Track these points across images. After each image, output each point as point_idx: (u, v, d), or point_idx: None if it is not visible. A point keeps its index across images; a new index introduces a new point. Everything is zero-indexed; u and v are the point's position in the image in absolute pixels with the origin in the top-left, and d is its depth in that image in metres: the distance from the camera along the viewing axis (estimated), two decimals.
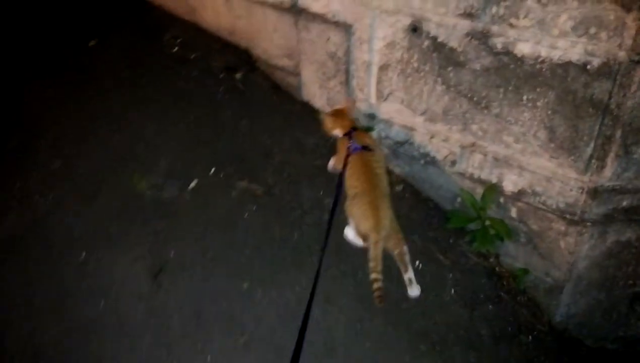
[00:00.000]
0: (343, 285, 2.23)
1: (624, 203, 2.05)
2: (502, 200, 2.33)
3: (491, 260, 2.46)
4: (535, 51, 1.90)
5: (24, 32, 3.53)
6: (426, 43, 2.20)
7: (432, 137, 2.43)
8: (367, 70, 2.52)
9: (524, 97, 2.00)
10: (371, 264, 2.03)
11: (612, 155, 1.91)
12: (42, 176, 2.55)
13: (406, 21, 2.23)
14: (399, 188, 2.65)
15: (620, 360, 2.46)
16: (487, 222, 2.33)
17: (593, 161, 1.95)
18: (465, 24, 2.04)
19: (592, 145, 1.92)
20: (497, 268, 2.46)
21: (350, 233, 2.30)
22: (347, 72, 2.62)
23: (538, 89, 1.95)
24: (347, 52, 2.56)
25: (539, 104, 1.97)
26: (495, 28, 1.96)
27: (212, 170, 2.62)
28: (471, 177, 2.39)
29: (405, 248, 2.14)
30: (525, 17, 1.86)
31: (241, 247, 2.33)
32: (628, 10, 1.64)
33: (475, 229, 2.38)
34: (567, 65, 1.84)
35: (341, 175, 2.23)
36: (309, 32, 2.69)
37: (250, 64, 3.18)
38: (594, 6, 1.69)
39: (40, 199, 2.46)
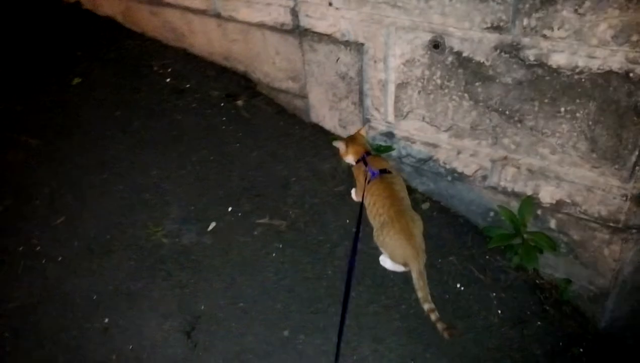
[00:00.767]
0: (388, 320, 2.14)
1: None
2: (539, 212, 2.27)
3: (530, 273, 2.41)
4: (571, 62, 1.83)
5: None
6: (450, 59, 2.12)
7: (459, 153, 2.36)
8: (383, 89, 2.43)
9: (562, 109, 1.94)
10: (420, 294, 1.99)
11: None
12: (46, 236, 2.38)
13: (426, 37, 2.14)
14: (425, 206, 2.57)
15: None
16: (527, 236, 2.28)
17: (637, 168, 1.91)
18: (492, 38, 1.97)
19: (637, 153, 1.87)
20: (537, 281, 2.40)
21: (386, 262, 2.24)
22: (361, 92, 2.52)
23: (577, 100, 1.89)
24: (360, 72, 2.46)
25: (578, 115, 1.91)
26: (526, 40, 1.89)
27: (229, 209, 2.49)
28: (504, 191, 2.33)
29: None
30: (561, 27, 1.79)
31: (274, 291, 2.21)
32: None
33: (515, 244, 2.32)
34: (608, 74, 1.78)
35: (361, 206, 2.18)
36: (316, 53, 2.58)
37: (251, 89, 3.05)
38: (637, 14, 1.64)
39: (48, 263, 2.29)
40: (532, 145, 2.11)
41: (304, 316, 2.13)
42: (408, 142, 2.50)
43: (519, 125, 2.09)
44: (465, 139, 2.30)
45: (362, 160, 2.27)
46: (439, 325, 1.94)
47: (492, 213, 2.44)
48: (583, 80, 1.84)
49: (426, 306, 1.97)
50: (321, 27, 2.49)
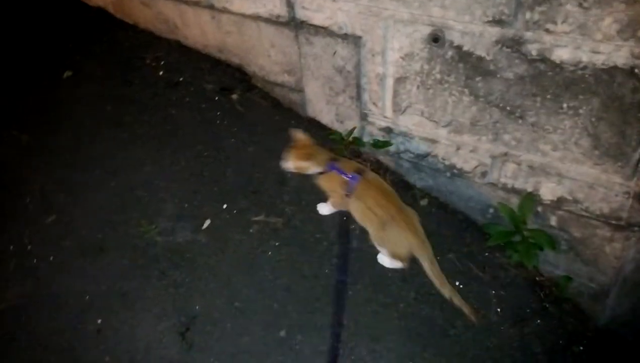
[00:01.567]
0: (387, 319, 2.12)
1: None
2: (539, 209, 2.25)
3: (530, 270, 2.38)
4: (575, 57, 1.79)
5: None
6: (450, 53, 2.08)
7: (458, 149, 2.33)
8: (381, 84, 2.38)
9: (564, 105, 1.90)
10: (437, 282, 2.03)
11: None
12: (37, 235, 2.34)
13: (425, 31, 2.10)
14: (424, 202, 2.54)
15: None
16: (527, 233, 2.25)
17: None
18: (494, 32, 1.92)
19: None
20: (537, 278, 2.39)
21: (384, 259, 2.24)
22: (358, 86, 2.48)
23: (580, 96, 1.85)
24: (357, 66, 2.42)
25: (581, 111, 1.88)
26: (529, 34, 1.85)
27: (224, 206, 2.46)
28: (504, 187, 2.30)
29: None
30: (564, 22, 1.75)
31: (271, 291, 2.19)
32: None
33: (515, 241, 2.29)
34: (612, 70, 1.74)
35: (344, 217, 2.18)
36: (312, 46, 2.53)
37: (246, 83, 3.00)
38: None
39: (39, 263, 2.25)
40: (534, 141, 2.07)
41: (301, 315, 2.11)
42: (406, 137, 2.47)
43: (520, 121, 2.05)
44: (464, 135, 2.26)
45: (331, 168, 2.15)
46: (466, 309, 1.99)
47: (491, 210, 2.41)
48: (586, 75, 1.80)
49: (447, 292, 2.01)
50: (318, 19, 2.43)
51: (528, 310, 2.26)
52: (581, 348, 2.24)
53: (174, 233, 2.35)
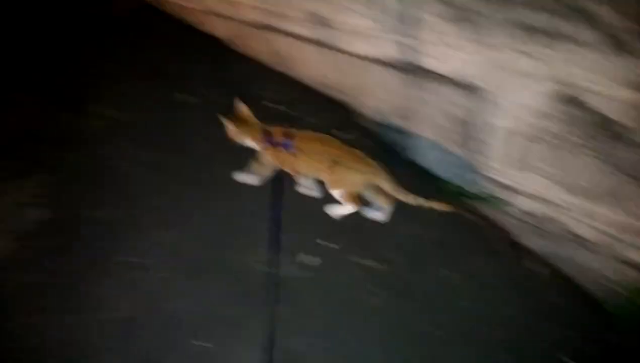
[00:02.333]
0: None
1: None
2: None
3: None
4: None
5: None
6: (581, 114, 2.01)
7: (588, 217, 2.21)
8: (503, 139, 2.35)
9: None
10: (402, 196, 2.29)
11: None
12: (150, 251, 2.45)
13: (554, 88, 2.05)
14: (542, 269, 2.42)
15: None
16: None
17: None
18: (634, 97, 1.84)
19: None
20: None
21: (335, 208, 2.48)
22: (475, 138, 2.46)
23: None
24: (476, 117, 2.40)
25: None
26: None
27: (332, 245, 2.48)
28: (635, 265, 2.15)
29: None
30: None
31: (374, 342, 2.17)
32: None
33: None
34: None
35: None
36: (428, 92, 2.55)
37: (353, 122, 3.06)
38: None
39: (151, 277, 2.36)
40: None
41: None
42: (526, 198, 2.39)
43: None
44: (593, 203, 2.16)
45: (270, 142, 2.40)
46: (436, 206, 2.28)
47: (616, 287, 2.26)
48: None
49: (412, 200, 2.27)
50: (438, 66, 2.45)
51: None
52: None
53: (278, 266, 2.39)
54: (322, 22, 2.88)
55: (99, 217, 2.57)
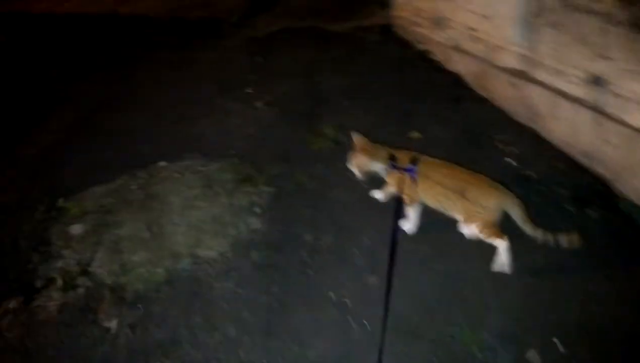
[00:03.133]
0: None
1: None
2: None
3: None
4: None
5: None
6: None
7: None
8: None
9: None
10: (528, 227, 2.16)
11: None
12: (358, 294, 2.41)
13: None
14: None
15: None
16: None
17: None
18: None
19: None
20: None
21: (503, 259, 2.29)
22: None
23: None
24: None
25: None
26: None
27: (555, 341, 2.13)
28: None
29: None
30: None
31: None
32: None
33: None
34: None
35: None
36: None
37: (609, 201, 2.63)
38: None
39: (355, 323, 2.30)
40: None
41: None
42: None
43: None
44: None
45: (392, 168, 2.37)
46: (562, 240, 2.14)
47: None
48: None
49: (539, 234, 2.14)
50: None
51: None
52: None
53: (496, 354, 2.12)
54: (598, 82, 2.53)
55: (307, 240, 2.62)
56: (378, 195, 2.71)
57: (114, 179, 3.05)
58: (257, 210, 2.82)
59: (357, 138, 2.47)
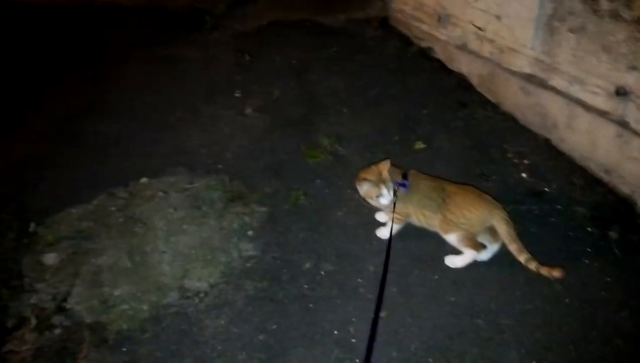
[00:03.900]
0: None
1: None
2: None
3: None
4: None
5: None
6: None
7: None
8: None
9: None
10: (514, 246, 2.18)
11: None
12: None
13: None
14: None
15: None
16: None
17: None
18: None
19: None
20: None
21: (456, 259, 2.36)
22: None
23: None
24: None
25: None
26: None
27: None
28: None
29: None
30: None
31: None
32: None
33: None
34: None
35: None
36: None
37: (632, 220, 2.52)
38: None
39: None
40: None
41: None
42: None
43: None
44: None
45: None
46: (543, 271, 2.13)
47: None
48: None
49: (522, 257, 2.16)
50: None
51: None
52: None
53: None
54: (624, 94, 2.40)
55: (306, 268, 2.48)
56: (382, 217, 2.58)
57: (91, 198, 2.87)
58: (250, 233, 2.67)
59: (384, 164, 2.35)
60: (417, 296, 2.32)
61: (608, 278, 2.31)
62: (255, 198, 2.85)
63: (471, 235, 2.27)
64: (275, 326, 2.26)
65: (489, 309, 2.24)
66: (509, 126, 3.17)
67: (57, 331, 2.27)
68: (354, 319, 2.26)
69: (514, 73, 3.11)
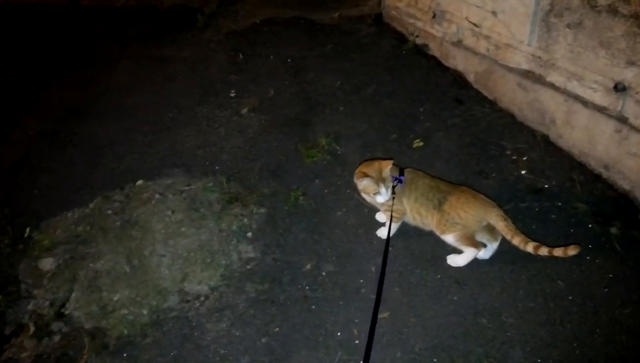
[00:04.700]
0: None
1: None
2: None
3: None
4: None
5: None
6: None
7: None
8: None
9: None
10: (517, 240, 2.18)
11: None
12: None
13: None
14: None
15: None
16: None
17: None
18: None
19: None
20: None
21: (457, 258, 2.38)
22: None
23: None
24: None
25: None
26: None
27: None
28: None
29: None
30: None
31: None
32: None
33: None
34: None
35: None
36: None
37: (632, 216, 2.54)
38: None
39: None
40: None
41: None
42: None
43: None
44: None
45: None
46: (557, 252, 2.14)
47: None
48: None
49: (530, 247, 2.16)
50: None
51: None
52: None
53: None
54: (622, 90, 2.42)
55: (307, 269, 2.48)
56: (383, 218, 2.59)
57: (87, 202, 2.87)
58: (249, 235, 2.67)
59: (386, 163, 2.33)
60: (420, 296, 2.33)
61: (610, 275, 2.33)
62: (254, 199, 2.85)
63: (468, 234, 2.29)
64: (277, 329, 2.26)
65: (493, 308, 2.26)
66: (507, 123, 3.18)
67: (57, 337, 2.27)
68: (356, 320, 2.27)
69: (511, 69, 3.12)
